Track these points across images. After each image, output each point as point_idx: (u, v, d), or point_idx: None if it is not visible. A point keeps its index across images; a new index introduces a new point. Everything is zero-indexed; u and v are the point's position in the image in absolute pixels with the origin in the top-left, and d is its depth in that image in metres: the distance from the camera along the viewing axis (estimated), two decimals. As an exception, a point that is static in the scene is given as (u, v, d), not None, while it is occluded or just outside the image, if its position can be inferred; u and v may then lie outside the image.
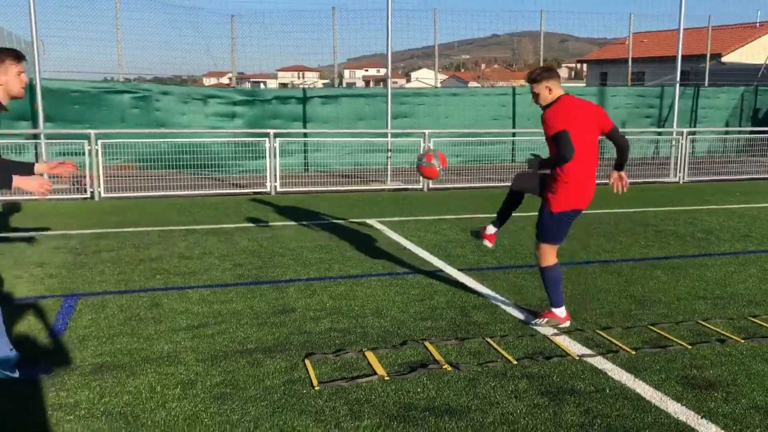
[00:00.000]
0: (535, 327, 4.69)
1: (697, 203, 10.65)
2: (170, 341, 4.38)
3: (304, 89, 16.60)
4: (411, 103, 15.57)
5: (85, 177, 10.62)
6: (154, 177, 11.08)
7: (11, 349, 3.72)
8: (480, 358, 4.14)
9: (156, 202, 10.27)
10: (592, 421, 3.36)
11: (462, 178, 12.96)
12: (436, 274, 6.12)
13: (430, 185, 12.11)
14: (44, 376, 3.80)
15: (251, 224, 8.46)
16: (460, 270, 6.26)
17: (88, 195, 10.59)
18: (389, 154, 12.65)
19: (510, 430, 3.28)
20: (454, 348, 4.32)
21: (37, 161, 8.92)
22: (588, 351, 4.27)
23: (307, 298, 5.38)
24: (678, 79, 14.55)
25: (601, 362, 4.08)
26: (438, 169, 5.56)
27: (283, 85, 43.64)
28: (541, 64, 12.26)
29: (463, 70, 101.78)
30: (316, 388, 3.69)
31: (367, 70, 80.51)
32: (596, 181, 4.63)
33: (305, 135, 13.92)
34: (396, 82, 50.60)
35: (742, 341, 4.45)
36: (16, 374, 3.73)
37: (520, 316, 4.95)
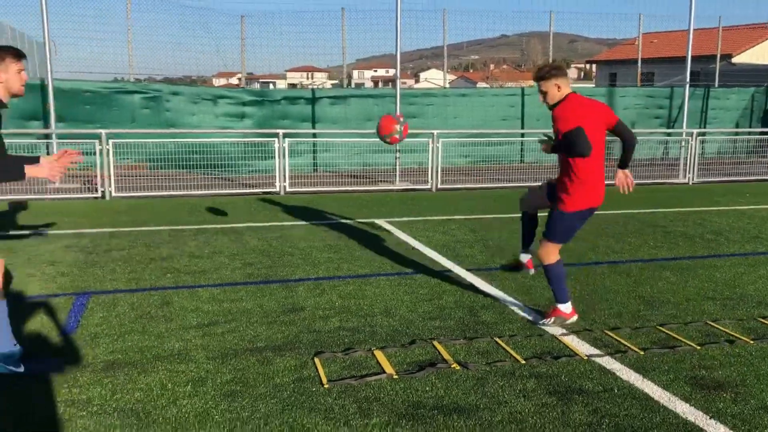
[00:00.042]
0: (543, 327, 4.71)
1: (707, 204, 10.61)
2: (181, 339, 4.42)
3: (313, 90, 16.64)
4: (420, 104, 15.59)
5: (96, 177, 10.71)
6: (164, 177, 11.16)
7: (15, 344, 3.76)
8: (488, 358, 4.16)
9: (166, 202, 10.34)
10: (600, 421, 3.37)
11: (471, 178, 12.97)
12: (445, 274, 6.14)
13: (439, 186, 12.12)
14: (50, 371, 3.82)
15: (261, 224, 8.51)
16: (468, 270, 6.27)
17: (99, 194, 10.68)
18: (398, 154, 12.67)
19: (518, 429, 3.29)
20: (463, 347, 4.34)
21: None
22: (596, 351, 4.27)
23: (316, 297, 5.41)
24: (688, 79, 14.50)
25: (609, 362, 4.09)
26: (398, 137, 5.99)
27: (292, 86, 43.75)
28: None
29: (472, 71, 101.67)
30: (326, 386, 3.72)
31: (375, 71, 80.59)
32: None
33: (314, 135, 13.96)
34: (405, 83, 50.61)
35: (752, 342, 4.45)
36: (21, 369, 3.76)
37: (528, 316, 4.96)
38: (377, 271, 6.22)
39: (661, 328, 4.72)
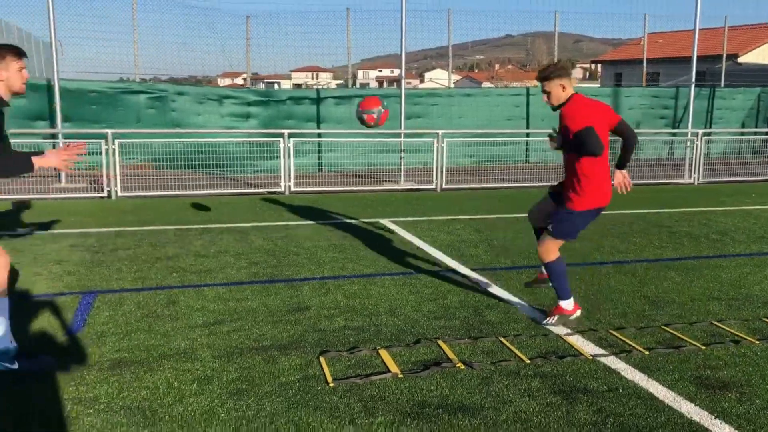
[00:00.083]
0: (547, 327, 4.71)
1: (712, 204, 10.59)
2: (187, 338, 4.44)
3: (317, 90, 16.67)
4: (424, 104, 15.59)
5: (102, 176, 10.75)
6: (169, 176, 11.19)
7: (11, 341, 3.78)
8: (493, 357, 4.17)
9: (172, 201, 10.37)
10: (604, 420, 3.37)
11: (475, 178, 12.97)
12: (450, 274, 6.15)
13: (443, 186, 12.13)
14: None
15: (266, 223, 8.53)
16: (473, 270, 6.28)
17: (105, 194, 10.72)
18: (402, 154, 12.69)
19: (523, 428, 3.30)
20: (468, 347, 4.34)
21: None
22: (601, 351, 4.27)
23: (321, 296, 5.43)
24: (693, 79, 14.47)
25: (614, 362, 4.09)
26: (374, 116, 6.18)
27: (297, 86, 43.82)
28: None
29: (476, 71, 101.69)
30: (331, 384, 3.73)
31: (380, 71, 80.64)
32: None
33: (319, 135, 13.98)
34: (410, 83, 50.60)
35: (757, 342, 4.44)
36: (15, 366, 3.76)
37: (533, 315, 4.97)
38: (382, 271, 6.23)
39: (666, 328, 4.72)
